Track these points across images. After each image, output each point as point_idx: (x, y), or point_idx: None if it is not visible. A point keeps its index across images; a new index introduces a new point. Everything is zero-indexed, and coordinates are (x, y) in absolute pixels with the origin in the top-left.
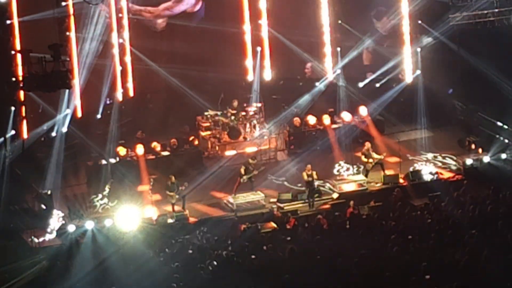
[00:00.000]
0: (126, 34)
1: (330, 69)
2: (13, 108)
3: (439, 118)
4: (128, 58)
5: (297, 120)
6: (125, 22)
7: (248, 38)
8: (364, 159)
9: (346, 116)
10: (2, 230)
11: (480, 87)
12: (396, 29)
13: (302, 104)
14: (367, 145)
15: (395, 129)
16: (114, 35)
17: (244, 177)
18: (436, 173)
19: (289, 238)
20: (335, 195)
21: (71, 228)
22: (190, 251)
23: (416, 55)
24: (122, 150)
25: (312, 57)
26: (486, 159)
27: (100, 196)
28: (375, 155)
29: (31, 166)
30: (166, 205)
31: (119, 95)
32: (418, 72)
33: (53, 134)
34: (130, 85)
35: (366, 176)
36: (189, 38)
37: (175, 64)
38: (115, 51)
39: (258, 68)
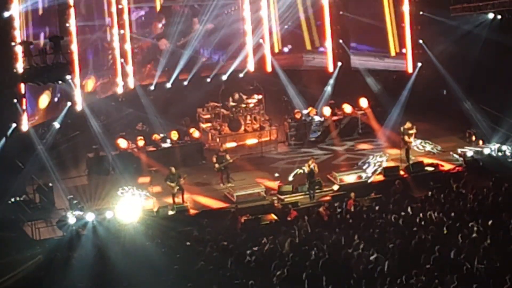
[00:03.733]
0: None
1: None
2: (15, 101)
3: (439, 110)
4: (128, 49)
5: (298, 112)
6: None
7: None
8: (407, 139)
9: (347, 108)
10: (2, 222)
11: (482, 78)
12: None
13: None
14: (408, 124)
15: (395, 121)
16: (115, 25)
17: (217, 165)
18: (437, 164)
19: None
20: (335, 187)
21: (71, 220)
22: (191, 243)
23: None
24: (122, 142)
25: None
26: (487, 151)
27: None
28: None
29: (32, 158)
30: (167, 197)
31: (119, 87)
32: (419, 64)
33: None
34: (130, 77)
35: (407, 160)
36: None
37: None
38: (115, 44)
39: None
